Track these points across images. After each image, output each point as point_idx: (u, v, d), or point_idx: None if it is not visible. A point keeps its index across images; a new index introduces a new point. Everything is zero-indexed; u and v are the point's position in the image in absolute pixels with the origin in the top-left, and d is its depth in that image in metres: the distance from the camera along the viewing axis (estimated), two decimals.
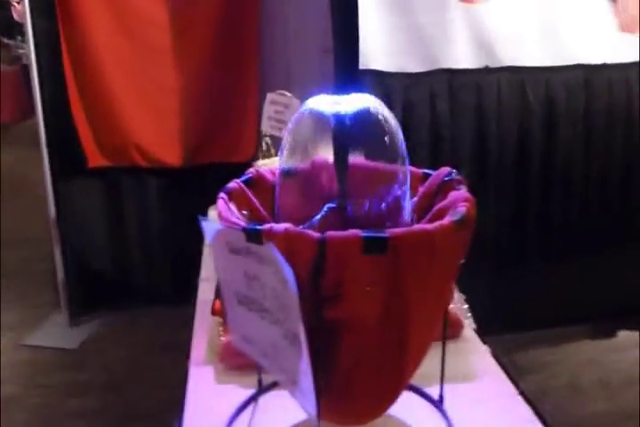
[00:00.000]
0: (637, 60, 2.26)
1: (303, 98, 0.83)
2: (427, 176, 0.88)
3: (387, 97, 2.07)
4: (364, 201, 0.82)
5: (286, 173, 0.83)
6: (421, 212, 0.84)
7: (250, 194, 0.86)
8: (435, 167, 2.64)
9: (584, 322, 2.51)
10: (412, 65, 2.08)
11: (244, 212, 0.81)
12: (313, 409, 0.64)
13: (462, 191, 0.80)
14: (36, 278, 3.07)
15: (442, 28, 2.06)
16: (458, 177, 0.85)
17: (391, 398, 0.77)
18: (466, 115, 2.17)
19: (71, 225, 2.72)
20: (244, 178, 0.88)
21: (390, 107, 2.48)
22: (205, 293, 1.38)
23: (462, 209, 0.72)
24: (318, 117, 0.81)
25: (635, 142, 2.36)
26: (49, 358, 2.47)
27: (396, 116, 2.58)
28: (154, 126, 2.62)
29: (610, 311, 2.52)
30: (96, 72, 2.51)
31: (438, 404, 0.94)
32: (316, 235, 0.63)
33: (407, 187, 0.81)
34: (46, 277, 2.91)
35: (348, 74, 2.33)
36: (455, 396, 0.93)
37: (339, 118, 0.80)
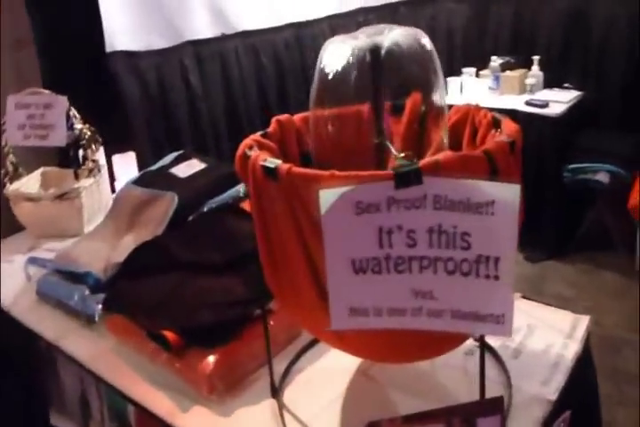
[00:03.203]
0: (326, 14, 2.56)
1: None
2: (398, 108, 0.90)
3: (140, 77, 1.90)
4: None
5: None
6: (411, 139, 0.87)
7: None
8: (197, 138, 2.53)
9: None
10: (159, 41, 1.94)
11: None
12: (510, 331, 0.64)
13: (462, 105, 0.85)
14: None
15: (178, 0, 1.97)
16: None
17: None
18: (215, 84, 2.15)
19: None
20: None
21: (144, 87, 2.26)
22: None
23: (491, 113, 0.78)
24: (350, 55, 0.75)
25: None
26: None
27: (152, 95, 2.38)
28: None
29: None
30: None
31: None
32: (478, 151, 0.61)
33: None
34: None
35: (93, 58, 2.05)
36: None
37: (374, 52, 0.75)
